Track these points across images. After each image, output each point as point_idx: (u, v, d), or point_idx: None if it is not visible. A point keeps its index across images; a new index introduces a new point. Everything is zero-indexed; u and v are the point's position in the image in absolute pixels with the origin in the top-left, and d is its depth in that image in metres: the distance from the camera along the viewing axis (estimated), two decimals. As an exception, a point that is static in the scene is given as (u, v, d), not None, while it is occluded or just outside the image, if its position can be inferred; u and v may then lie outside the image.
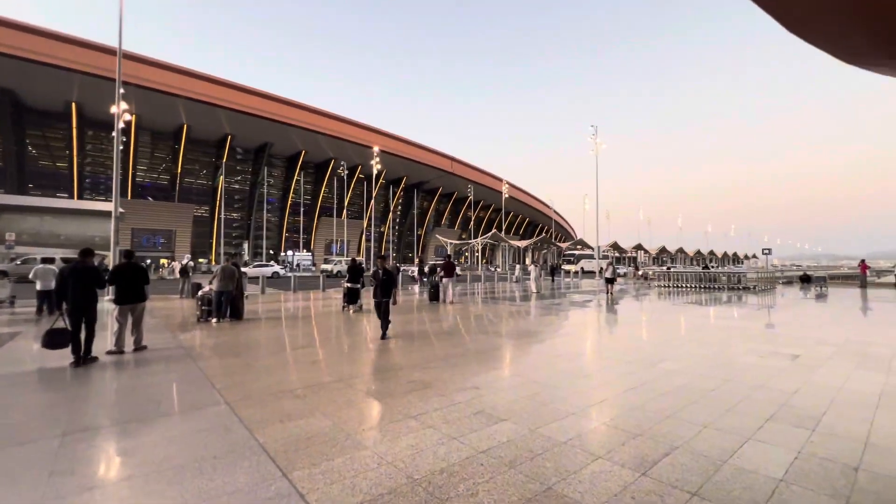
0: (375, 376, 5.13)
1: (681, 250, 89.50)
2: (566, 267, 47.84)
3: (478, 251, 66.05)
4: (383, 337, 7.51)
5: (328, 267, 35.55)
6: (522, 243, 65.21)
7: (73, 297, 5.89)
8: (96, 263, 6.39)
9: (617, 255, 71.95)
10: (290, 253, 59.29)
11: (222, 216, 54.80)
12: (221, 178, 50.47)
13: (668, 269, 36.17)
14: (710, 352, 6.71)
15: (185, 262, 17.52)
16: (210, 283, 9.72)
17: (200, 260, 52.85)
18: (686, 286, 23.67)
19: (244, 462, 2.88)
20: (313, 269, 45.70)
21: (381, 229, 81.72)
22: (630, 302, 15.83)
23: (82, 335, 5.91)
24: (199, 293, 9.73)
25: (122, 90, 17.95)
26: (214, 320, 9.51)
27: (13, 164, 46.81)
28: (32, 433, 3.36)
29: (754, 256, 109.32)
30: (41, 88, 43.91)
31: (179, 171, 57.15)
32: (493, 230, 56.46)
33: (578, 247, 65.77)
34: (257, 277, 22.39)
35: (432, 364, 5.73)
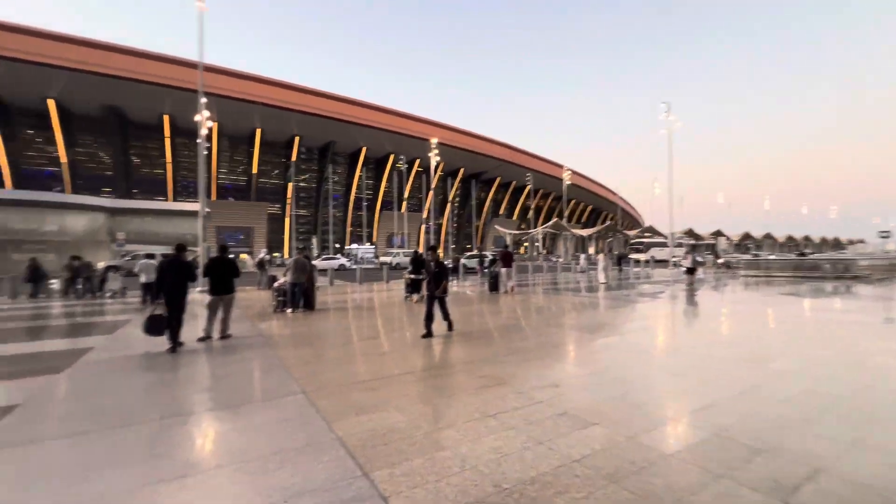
0: (444, 370, 4.96)
1: (768, 236, 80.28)
2: (635, 256, 44.98)
3: (538, 241, 64.31)
4: (449, 328, 7.26)
5: (387, 259, 36.41)
6: (586, 232, 62.38)
7: (167, 288, 6.40)
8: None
9: (693, 242, 66.41)
10: (354, 246, 61.84)
11: (293, 213, 58.33)
12: (292, 177, 53.66)
13: (755, 256, 32.52)
14: (830, 351, 5.72)
15: (262, 255, 18.76)
16: (284, 275, 10.21)
17: (275, 254, 56.86)
18: (779, 276, 21.05)
19: (324, 456, 2.81)
20: (375, 261, 47.32)
21: (440, 221, 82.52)
22: (716, 293, 14.34)
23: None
24: (275, 285, 10.25)
25: (204, 100, 19.53)
26: (289, 310, 9.98)
27: (122, 172, 53.39)
28: (137, 415, 3.58)
29: (860, 241, 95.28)
30: (140, 104, 49.42)
31: (255, 172, 61.72)
32: (555, 219, 54.57)
33: (647, 234, 61.64)
34: (326, 270, 23.48)
35: (503, 358, 5.44)
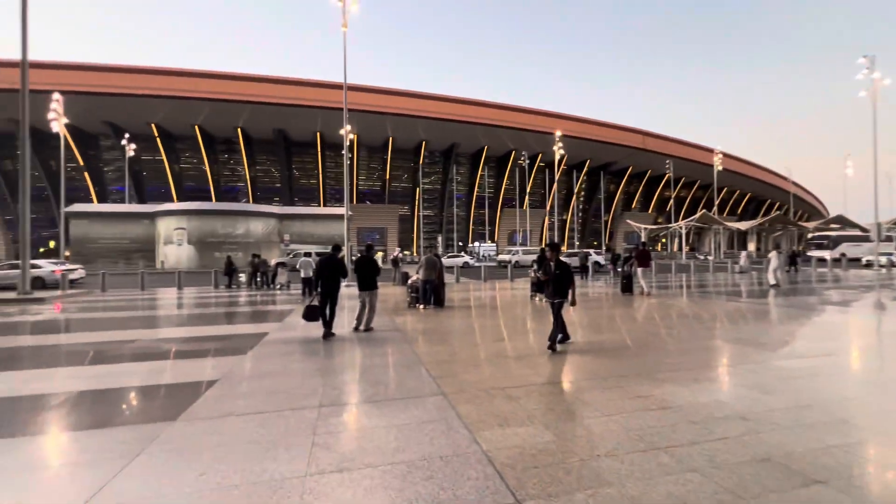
0: (591, 383, 4.42)
1: None
2: (816, 253, 36.22)
3: (678, 236, 56.58)
4: (558, 343, 5.93)
5: (506, 257, 35.45)
6: (743, 225, 52.61)
7: (322, 282, 7.21)
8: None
9: (909, 235, 50.71)
10: (476, 244, 63.12)
11: (421, 213, 62.18)
12: (420, 179, 57.29)
13: None
14: None
15: (396, 253, 20.21)
16: (417, 272, 10.71)
17: (405, 252, 61.46)
18: None
19: (470, 471, 2.63)
20: (495, 259, 47.52)
21: (564, 217, 78.85)
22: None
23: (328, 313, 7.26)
24: (409, 282, 10.81)
25: (347, 115, 21.92)
26: (421, 306, 10.42)
27: (286, 184, 63.84)
28: (301, 399, 3.95)
29: None
30: (299, 124, 58.29)
31: (388, 177, 67.62)
32: (702, 211, 47.24)
33: (835, 226, 49.19)
34: (451, 267, 24.28)
35: (659, 375, 4.65)
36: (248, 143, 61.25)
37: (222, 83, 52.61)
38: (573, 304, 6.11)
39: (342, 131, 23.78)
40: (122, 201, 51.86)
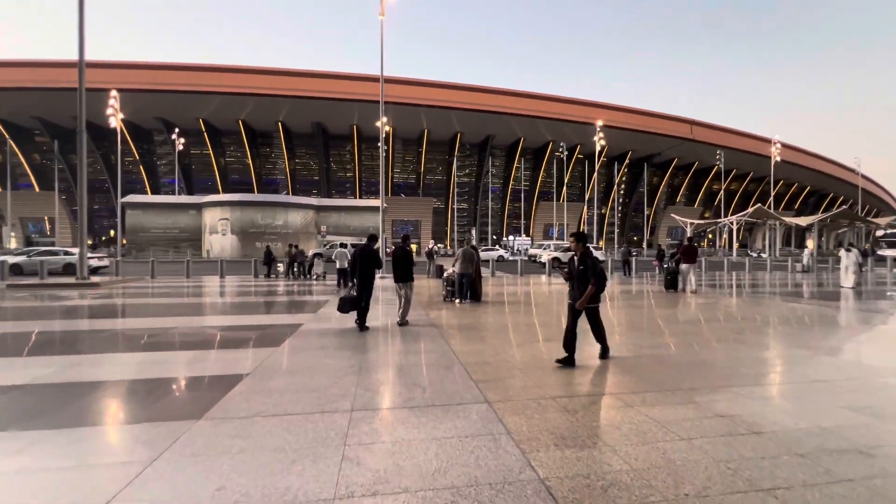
0: (656, 396, 3.83)
1: None
2: (890, 252, 32.85)
3: (727, 232, 53.03)
4: (602, 355, 5.10)
5: (536, 251, 33.48)
6: (803, 220, 48.51)
7: (358, 274, 6.98)
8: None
9: None
10: (511, 238, 62.00)
11: (454, 206, 61.71)
12: (454, 172, 56.80)
13: None
14: None
15: (431, 246, 19.90)
16: (453, 265, 10.29)
17: (439, 245, 61.33)
18: None
19: (527, 505, 2.18)
20: (528, 254, 46.39)
21: (603, 211, 76.04)
22: None
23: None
24: (444, 275, 10.41)
25: (383, 105, 21.71)
26: (457, 301, 10.01)
27: (324, 176, 65.17)
28: (333, 401, 3.63)
29: None
30: (336, 118, 59.12)
31: (422, 169, 67.58)
32: (756, 205, 43.86)
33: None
34: (486, 261, 23.73)
35: (735, 387, 3.99)
36: (288, 137, 62.87)
37: (265, 78, 54.10)
38: (596, 300, 4.89)
39: (378, 123, 23.66)
40: (173, 193, 54.72)
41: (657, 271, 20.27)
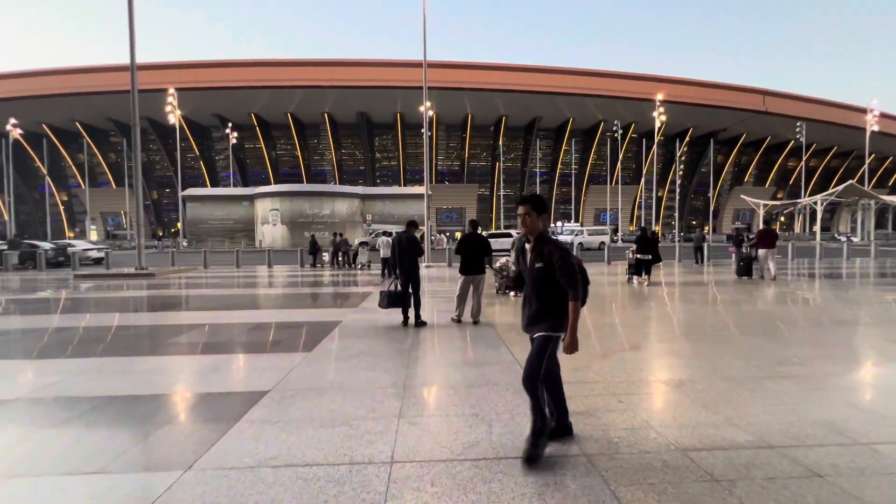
0: (830, 450, 2.56)
1: None
2: None
3: (807, 214, 47.27)
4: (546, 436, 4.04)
5: (568, 238, 29.62)
6: (908, 199, 41.98)
7: (399, 263, 6.16)
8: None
9: None
10: (559, 224, 59.36)
11: (501, 193, 59.91)
12: (500, 155, 54.93)
13: None
14: None
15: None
16: (510, 254, 9.17)
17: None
18: None
19: None
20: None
21: (660, 193, 70.82)
22: None
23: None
24: (497, 264, 9.33)
25: (427, 86, 20.67)
26: (513, 294, 8.91)
27: (369, 166, 65.62)
28: (366, 446, 2.72)
29: None
30: (380, 106, 58.94)
31: (466, 155, 66.16)
32: (847, 182, 38.37)
33: None
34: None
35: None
36: (334, 128, 63.72)
37: (311, 70, 54.80)
38: (567, 349, 2.42)
39: (421, 108, 22.71)
40: (230, 186, 57.31)
41: (733, 258, 17.86)
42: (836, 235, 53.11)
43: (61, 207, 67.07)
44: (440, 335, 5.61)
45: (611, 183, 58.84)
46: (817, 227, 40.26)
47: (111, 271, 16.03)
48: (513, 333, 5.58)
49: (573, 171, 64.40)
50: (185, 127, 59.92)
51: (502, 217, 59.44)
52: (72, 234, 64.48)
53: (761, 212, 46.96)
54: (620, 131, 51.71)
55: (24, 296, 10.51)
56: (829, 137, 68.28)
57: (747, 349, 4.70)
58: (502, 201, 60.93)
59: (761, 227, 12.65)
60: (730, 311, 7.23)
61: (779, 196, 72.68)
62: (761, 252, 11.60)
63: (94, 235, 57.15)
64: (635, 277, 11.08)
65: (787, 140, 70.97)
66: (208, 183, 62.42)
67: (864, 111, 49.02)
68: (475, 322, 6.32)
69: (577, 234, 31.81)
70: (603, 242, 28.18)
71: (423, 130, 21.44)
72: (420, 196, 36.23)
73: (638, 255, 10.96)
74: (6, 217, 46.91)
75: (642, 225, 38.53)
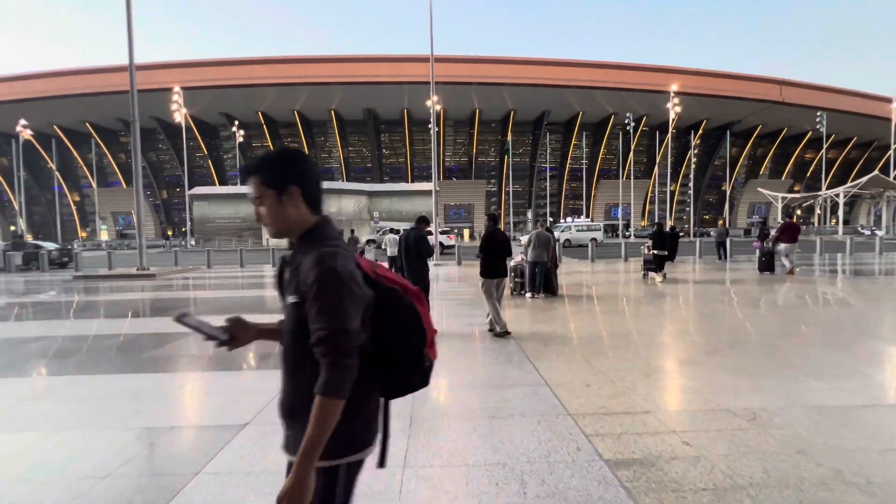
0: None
1: None
2: None
3: (826, 207, 45.62)
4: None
5: (566, 235, 28.29)
6: (937, 190, 40.24)
7: (406, 263, 5.53)
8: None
9: None
10: (569, 219, 58.30)
11: (510, 189, 58.99)
12: (509, 150, 53.96)
13: None
14: None
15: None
16: (523, 252, 8.48)
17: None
18: None
19: None
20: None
21: (672, 188, 69.15)
22: None
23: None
24: (512, 263, 8.63)
25: (434, 84, 19.99)
26: (528, 295, 8.22)
27: (376, 163, 65.08)
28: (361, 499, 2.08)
29: None
30: (387, 102, 58.25)
31: (474, 151, 65.24)
32: (873, 173, 36.74)
33: None
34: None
35: None
36: (341, 125, 63.23)
37: (318, 66, 54.30)
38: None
39: (428, 102, 22.04)
40: (238, 185, 57.19)
41: (757, 254, 16.87)
42: (859, 228, 51.21)
43: (73, 208, 67.75)
44: (452, 347, 4.95)
45: (622, 177, 57.50)
46: (839, 220, 38.79)
47: (113, 272, 15.63)
48: (535, 344, 4.89)
49: (584, 165, 63.17)
50: (194, 126, 59.94)
51: (511, 213, 58.49)
52: (83, 234, 65.14)
53: (780, 205, 45.49)
54: (633, 124, 50.42)
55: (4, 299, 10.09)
56: (849, 128, 66.18)
57: (820, 365, 3.96)
58: (511, 197, 59.94)
59: (781, 220, 12.31)
60: (774, 315, 6.47)
61: (795, 189, 70.75)
62: (783, 246, 11.32)
63: (104, 235, 57.51)
64: (651, 273, 10.66)
65: (805, 131, 68.87)
66: (217, 182, 62.44)
67: (888, 100, 47.10)
68: (494, 332, 5.45)
69: (564, 231, 30.16)
70: (594, 239, 27.15)
71: (430, 126, 20.80)
72: (428, 192, 35.58)
73: (654, 251, 10.59)
74: (21, 218, 47.34)
75: (656, 220, 37.39)
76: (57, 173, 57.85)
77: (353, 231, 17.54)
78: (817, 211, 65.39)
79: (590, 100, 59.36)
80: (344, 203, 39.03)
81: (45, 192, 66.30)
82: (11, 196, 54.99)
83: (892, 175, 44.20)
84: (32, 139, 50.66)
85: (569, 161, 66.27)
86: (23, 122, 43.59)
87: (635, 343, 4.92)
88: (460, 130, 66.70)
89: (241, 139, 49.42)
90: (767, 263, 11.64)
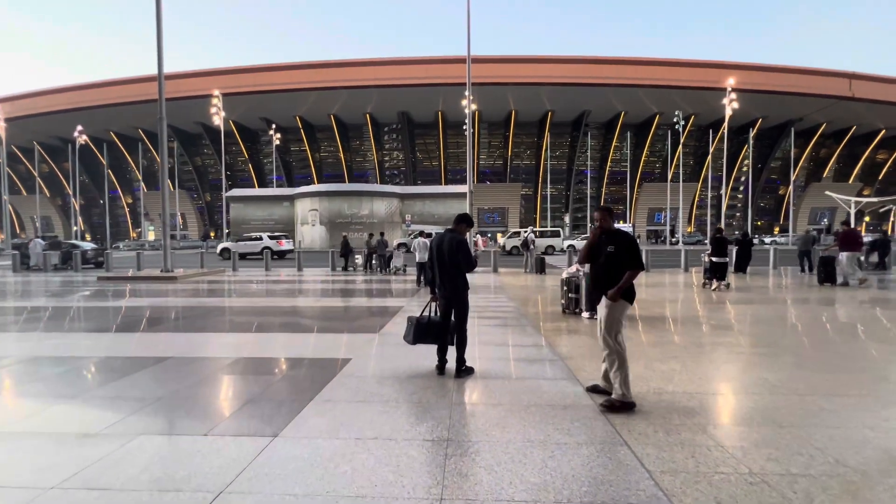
0: None
1: None
2: None
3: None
4: None
5: (513, 241, 27.30)
6: None
7: (440, 277, 4.12)
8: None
9: None
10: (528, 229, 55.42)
11: (547, 192, 56.84)
12: (545, 153, 51.90)
13: None
14: None
15: (527, 234, 16.58)
16: (578, 262, 6.98)
17: (535, 231, 57.11)
18: None
19: None
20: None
21: (722, 191, 64.41)
22: None
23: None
24: (565, 275, 7.14)
25: (470, 72, 18.76)
26: (586, 314, 6.71)
27: (410, 166, 64.63)
28: None
29: None
30: (421, 105, 57.67)
31: (509, 154, 63.48)
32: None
33: None
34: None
35: None
36: (376, 129, 63.34)
37: (354, 70, 54.53)
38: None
39: (463, 102, 20.83)
40: (276, 188, 58.25)
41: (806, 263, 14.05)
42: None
43: (126, 210, 71.52)
44: (498, 396, 3.57)
45: (669, 180, 53.94)
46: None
47: (139, 273, 15.34)
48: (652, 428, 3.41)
49: (627, 168, 59.92)
50: (235, 130, 61.75)
51: (549, 217, 56.24)
52: (135, 235, 68.49)
53: (853, 210, 40.93)
54: (682, 122, 47.12)
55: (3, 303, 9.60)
56: (932, 124, 59.45)
57: None
58: (548, 201, 57.69)
59: (840, 228, 11.67)
60: (875, 336, 4.65)
61: (864, 193, 64.20)
62: (844, 255, 10.66)
63: (151, 235, 60.10)
64: (715, 282, 10.19)
65: (877, 129, 62.55)
66: (256, 185, 63.95)
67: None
68: (604, 398, 3.33)
69: (509, 237, 28.57)
70: (551, 246, 26.50)
71: (464, 128, 19.61)
72: (462, 195, 34.33)
73: (714, 259, 10.29)
74: (79, 218, 50.04)
75: (717, 226, 34.25)
76: (112, 176, 61.13)
77: (382, 234, 16.50)
78: (891, 218, 59.03)
79: (633, 98, 56.33)
80: (375, 205, 38.48)
81: (103, 195, 70.51)
82: (74, 200, 58.53)
83: None
84: (90, 143, 53.71)
85: (608, 164, 63.23)
86: (80, 128, 46.07)
87: (687, 367, 3.34)
88: (495, 132, 65.19)
89: (278, 143, 50.15)
90: (828, 275, 10.89)
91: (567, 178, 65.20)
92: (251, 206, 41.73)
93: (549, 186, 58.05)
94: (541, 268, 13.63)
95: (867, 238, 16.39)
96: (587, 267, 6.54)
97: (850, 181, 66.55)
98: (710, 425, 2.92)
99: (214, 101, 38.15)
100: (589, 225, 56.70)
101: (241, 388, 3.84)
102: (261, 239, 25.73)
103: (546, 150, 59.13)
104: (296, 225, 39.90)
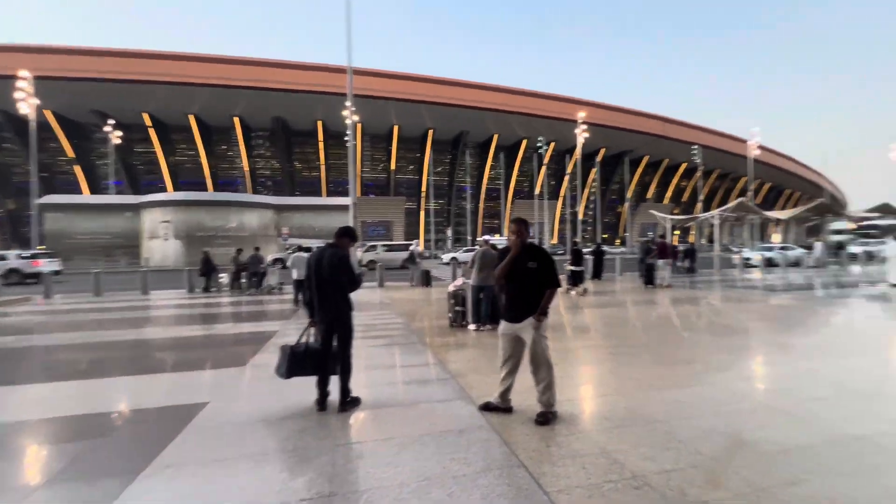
0: None
1: None
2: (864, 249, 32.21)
3: (706, 228, 52.38)
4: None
5: (368, 255, 25.80)
6: (783, 214, 48.34)
7: (319, 298, 3.60)
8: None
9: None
10: (486, 237, 59.27)
11: (430, 207, 58.41)
12: (427, 170, 53.50)
13: None
14: None
15: (413, 247, 16.58)
16: (464, 274, 7.06)
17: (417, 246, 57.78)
18: None
19: None
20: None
21: (576, 209, 74.76)
22: None
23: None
24: (451, 288, 7.14)
25: (351, 102, 18.24)
26: (472, 327, 6.78)
27: (287, 176, 60.19)
28: None
29: None
30: (299, 112, 54.46)
31: (393, 167, 63.82)
32: (738, 199, 43.02)
33: (874, 215, 45.02)
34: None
35: None
36: (246, 133, 57.61)
37: (220, 67, 48.92)
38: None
39: (344, 112, 20.16)
40: (115, 195, 48.34)
41: (670, 270, 17.45)
42: (731, 247, 59.67)
43: None
44: (389, 428, 3.22)
45: (537, 197, 60.34)
46: (715, 240, 44.41)
47: None
48: (518, 426, 3.35)
49: (500, 186, 65.31)
50: (56, 123, 49.89)
51: (433, 230, 57.84)
52: None
53: (668, 225, 50.96)
54: (545, 147, 53.28)
55: None
56: (712, 161, 77.96)
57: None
58: (431, 215, 59.39)
59: (657, 240, 13.91)
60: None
61: (675, 212, 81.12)
62: (660, 262, 13.05)
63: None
64: (574, 289, 11.71)
65: (680, 162, 79.66)
66: (88, 191, 52.34)
67: (738, 140, 56.24)
68: (544, 417, 3.20)
69: (368, 251, 26.54)
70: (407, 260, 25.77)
71: (346, 139, 18.96)
72: (344, 207, 33.04)
73: (572, 268, 12.20)
74: None
75: (574, 239, 39.24)
76: None
77: (257, 248, 14.74)
78: (692, 231, 75.43)
79: (504, 124, 62.01)
80: (246, 217, 34.65)
81: None
82: None
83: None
84: None
85: (485, 181, 68.09)
86: None
87: (606, 386, 3.65)
88: (378, 146, 65.02)
89: (117, 140, 41.78)
90: (649, 278, 13.13)
91: (448, 193, 68.17)
92: (78, 217, 33.81)
93: (432, 201, 59.86)
94: (426, 281, 13.69)
95: (681, 247, 20.47)
96: (474, 276, 6.65)
97: (665, 202, 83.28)
98: (593, 431, 3.04)
99: (22, 83, 30.14)
100: (470, 238, 60.03)
101: (45, 461, 2.78)
102: (4, 259, 19.14)
103: (429, 165, 61.00)
104: (142, 239, 33.57)
